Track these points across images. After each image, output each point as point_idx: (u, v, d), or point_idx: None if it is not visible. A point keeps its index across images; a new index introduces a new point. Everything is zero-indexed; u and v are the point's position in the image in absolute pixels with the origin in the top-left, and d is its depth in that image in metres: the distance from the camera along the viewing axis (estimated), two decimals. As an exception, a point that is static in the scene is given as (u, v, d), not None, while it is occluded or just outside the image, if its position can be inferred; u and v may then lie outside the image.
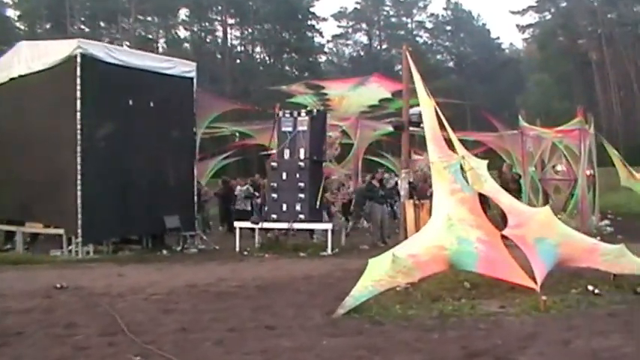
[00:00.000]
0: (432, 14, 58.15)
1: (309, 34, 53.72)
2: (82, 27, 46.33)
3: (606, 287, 6.17)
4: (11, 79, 11.76)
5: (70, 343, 4.55)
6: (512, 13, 52.56)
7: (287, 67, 52.14)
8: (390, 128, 12.23)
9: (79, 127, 10.22)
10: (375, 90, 14.54)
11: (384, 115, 17.41)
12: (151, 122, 11.24)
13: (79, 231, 10.18)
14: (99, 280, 7.60)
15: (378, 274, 5.57)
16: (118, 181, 10.68)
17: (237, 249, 11.00)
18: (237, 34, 52.75)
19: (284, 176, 11.03)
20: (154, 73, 11.46)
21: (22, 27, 45.40)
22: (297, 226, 10.98)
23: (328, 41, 57.60)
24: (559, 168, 16.12)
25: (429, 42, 58.32)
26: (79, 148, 10.22)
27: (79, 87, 10.22)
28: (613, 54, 43.52)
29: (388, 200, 12.67)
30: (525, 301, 5.54)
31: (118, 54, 11.21)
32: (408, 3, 57.13)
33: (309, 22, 53.46)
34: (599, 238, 10.94)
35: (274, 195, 11.09)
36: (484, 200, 8.68)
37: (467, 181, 7.03)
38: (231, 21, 51.10)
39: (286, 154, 11.14)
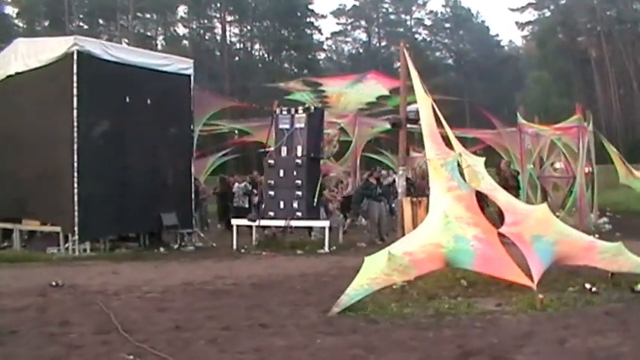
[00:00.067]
0: (431, 11, 58.20)
1: (308, 31, 53.69)
2: (81, 24, 46.27)
3: (604, 285, 6.13)
4: (8, 76, 11.71)
5: (64, 342, 4.52)
6: (512, 10, 52.60)
7: (286, 65, 52.11)
8: (388, 125, 12.18)
9: (75, 124, 10.20)
10: (373, 87, 14.50)
11: (382, 112, 17.38)
12: (147, 119, 11.20)
13: (76, 229, 10.16)
14: (94, 278, 7.58)
15: (374, 272, 5.54)
16: (114, 179, 10.66)
17: (235, 246, 10.96)
18: (236, 31, 52.73)
19: (281, 173, 10.99)
20: (151, 70, 11.44)
21: (21, 24, 45.33)
22: (294, 223, 10.94)
23: (327, 38, 57.68)
24: (557, 165, 16.09)
25: (428, 39, 58.28)
26: (75, 146, 10.20)
27: (75, 84, 10.20)
28: (612, 51, 43.51)
29: (384, 197, 12.62)
30: (522, 300, 5.50)
31: (115, 51, 11.16)
32: (407, 0, 57.00)
33: (307, 20, 53.43)
34: (597, 235, 10.96)
35: (271, 192, 11.05)
36: (482, 198, 8.66)
37: (464, 179, 7.00)
38: (229, 18, 51.01)
39: (283, 151, 11.11)
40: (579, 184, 13.73)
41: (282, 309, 5.49)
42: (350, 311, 5.19)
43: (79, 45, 10.41)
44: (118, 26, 47.49)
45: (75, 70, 10.19)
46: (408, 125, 10.29)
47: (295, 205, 10.82)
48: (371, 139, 20.71)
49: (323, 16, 56.45)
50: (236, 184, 16.06)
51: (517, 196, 13.14)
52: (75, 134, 10.19)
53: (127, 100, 11.00)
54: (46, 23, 44.63)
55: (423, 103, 7.99)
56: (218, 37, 51.04)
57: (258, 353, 4.11)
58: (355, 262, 6.41)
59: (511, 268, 5.75)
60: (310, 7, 53.07)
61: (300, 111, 11.25)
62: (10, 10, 45.42)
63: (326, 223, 11.05)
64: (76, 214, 10.12)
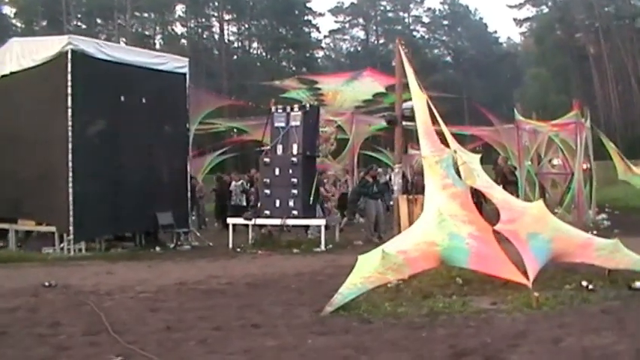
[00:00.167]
0: (428, 9, 58.13)
1: (306, 29, 53.60)
2: (79, 24, 46.19)
3: (601, 283, 6.07)
4: (2, 76, 11.63)
5: (53, 343, 4.47)
6: (510, 7, 52.23)
7: (284, 63, 52.02)
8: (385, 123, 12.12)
9: (70, 123, 10.13)
10: (369, 84, 14.43)
11: (378, 109, 17.31)
12: (142, 118, 11.14)
13: (71, 228, 10.09)
14: (88, 278, 7.53)
15: (368, 270, 5.48)
16: (109, 178, 10.59)
17: (230, 246, 10.90)
18: (234, 29, 52.65)
19: (277, 172, 10.92)
20: (146, 68, 11.37)
21: (19, 24, 45.24)
22: (290, 222, 10.88)
23: (325, 36, 57.59)
24: (555, 162, 16.00)
25: (426, 36, 58.23)
26: (70, 145, 10.13)
27: (69, 83, 10.12)
28: (610, 48, 43.45)
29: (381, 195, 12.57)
30: (517, 298, 5.44)
31: (109, 50, 11.09)
32: (404, -3, 56.96)
33: (305, 18, 53.33)
34: (595, 232, 10.93)
35: (267, 191, 10.99)
36: (479, 195, 8.61)
37: (459, 176, 6.95)
38: (227, 17, 50.92)
39: (279, 149, 11.04)
40: (577, 180, 13.67)
41: (274, 308, 5.44)
42: (343, 310, 5.13)
43: (73, 44, 10.34)
44: (116, 25, 47.38)
45: (69, 70, 10.12)
46: (404, 123, 10.22)
47: (291, 203, 10.76)
48: (368, 136, 20.64)
49: (321, 14, 56.48)
50: (233, 183, 16.02)
51: (517, 191, 13.15)
52: (69, 133, 10.12)
53: (122, 99, 10.92)
54: (44, 23, 44.52)
55: (418, 100, 7.93)
56: (216, 36, 50.98)
57: (248, 354, 4.06)
58: (351, 261, 6.33)
59: (506, 266, 5.70)
60: (308, 5, 53.02)
61: (296, 109, 11.18)
62: (8, 10, 45.41)
63: (322, 222, 10.99)
64: (70, 213, 10.05)
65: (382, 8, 57.65)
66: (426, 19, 58.22)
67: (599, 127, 20.47)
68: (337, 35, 58.36)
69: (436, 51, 57.98)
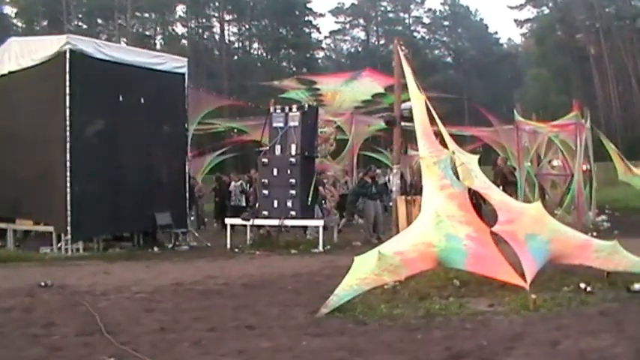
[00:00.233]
0: (429, 9, 58.05)
1: (307, 29, 53.57)
2: (80, 24, 46.19)
3: (599, 285, 6.04)
4: (1, 75, 11.62)
5: (46, 344, 4.45)
6: (510, 7, 52.14)
7: (284, 63, 51.98)
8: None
9: (68, 123, 10.10)
10: (368, 85, 14.40)
11: (378, 110, 17.29)
12: (141, 118, 11.12)
13: (69, 228, 10.07)
14: (85, 278, 7.50)
15: (364, 272, 5.44)
16: (107, 178, 10.57)
17: (229, 246, 10.87)
18: (235, 30, 52.63)
19: (275, 172, 10.89)
20: (145, 68, 11.35)
21: (20, 24, 45.25)
22: (288, 222, 10.85)
23: (326, 37, 57.53)
24: (555, 163, 15.95)
25: (427, 37, 58.16)
26: (68, 145, 10.11)
27: (68, 83, 10.10)
28: (611, 48, 43.38)
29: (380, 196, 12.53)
30: (515, 300, 5.40)
31: (108, 50, 11.07)
32: (405, -2, 56.90)
33: (306, 18, 53.29)
34: (595, 233, 10.89)
35: (265, 191, 10.96)
36: (479, 195, 8.55)
37: (457, 177, 6.91)
38: (228, 17, 50.89)
39: (277, 150, 11.01)
40: (577, 181, 13.62)
41: (270, 309, 5.41)
42: (339, 312, 5.10)
43: (72, 44, 10.32)
44: (117, 26, 47.37)
45: (67, 69, 10.10)
46: (403, 123, 10.18)
47: (289, 204, 10.73)
48: (368, 137, 20.62)
49: (321, 15, 56.47)
50: (232, 183, 16.00)
51: (516, 191, 13.11)
52: (68, 133, 10.10)
53: (121, 98, 10.91)
54: (45, 23, 44.52)
55: (417, 101, 7.89)
56: (217, 36, 50.96)
57: (242, 355, 4.03)
58: (349, 262, 6.28)
59: (504, 267, 5.65)
60: (308, 5, 52.97)
61: (294, 109, 11.16)
62: (9, 10, 45.40)
63: (320, 223, 10.96)
64: (68, 213, 10.03)
65: (383, 9, 57.60)
66: (426, 20, 58.18)
67: (600, 128, 20.42)
68: (338, 36, 58.32)
69: (437, 52, 57.92)
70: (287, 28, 51.69)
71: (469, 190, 7.01)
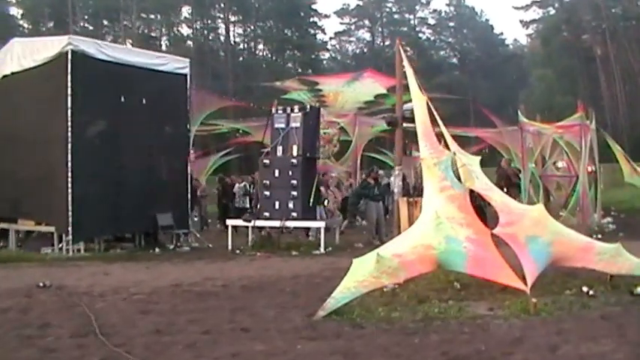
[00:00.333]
0: (434, 10, 57.92)
1: (312, 31, 53.58)
2: (86, 25, 46.40)
3: (602, 288, 5.95)
4: (4, 76, 11.64)
5: (40, 345, 4.43)
6: (516, 8, 52.00)
7: (289, 65, 51.98)
8: (388, 125, 11.97)
9: (69, 123, 10.10)
10: (370, 86, 14.33)
11: (381, 110, 17.21)
12: (143, 119, 11.09)
13: (70, 229, 10.05)
14: (84, 279, 7.48)
15: (362, 274, 5.38)
16: (109, 179, 10.55)
17: (230, 247, 10.83)
18: (240, 31, 52.71)
19: (276, 173, 10.83)
20: (146, 69, 11.32)
21: (26, 25, 45.51)
22: (289, 224, 10.79)
23: (331, 38, 57.49)
24: (560, 164, 15.84)
25: (432, 38, 58.05)
26: (69, 145, 10.09)
27: (69, 84, 10.09)
28: (617, 49, 43.08)
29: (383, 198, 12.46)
30: (515, 303, 5.32)
31: (109, 50, 11.06)
32: (410, -1, 56.79)
33: (311, 19, 53.32)
34: (600, 235, 10.78)
35: (267, 192, 10.90)
36: (482, 197, 8.46)
37: (459, 178, 6.83)
38: (233, 18, 50.98)
39: (279, 151, 10.96)
40: (582, 183, 13.50)
41: (267, 312, 5.35)
42: (336, 315, 5.03)
43: (73, 44, 10.31)
44: (122, 27, 47.54)
45: (69, 70, 10.09)
46: (405, 124, 10.10)
47: (291, 205, 10.66)
48: (372, 138, 20.52)
49: (326, 16, 56.40)
50: (236, 185, 15.98)
51: (519, 194, 13.01)
52: (69, 134, 10.09)
53: (122, 99, 10.88)
54: (51, 24, 44.72)
55: (418, 102, 7.81)
56: (222, 38, 51.01)
57: (236, 358, 3.99)
58: (349, 264, 6.23)
59: (504, 270, 5.57)
60: (313, 6, 52.96)
61: (296, 110, 11.10)
62: (15, 12, 45.71)
63: (321, 224, 10.89)
64: (69, 214, 10.01)
65: (388, 10, 57.50)
66: (431, 21, 58.08)
67: (606, 129, 20.28)
68: (343, 37, 58.26)
69: (442, 52, 57.78)
70: (292, 29, 51.71)
71: (471, 192, 6.94)
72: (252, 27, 52.19)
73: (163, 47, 46.20)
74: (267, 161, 11.04)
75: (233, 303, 5.82)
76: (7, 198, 11.28)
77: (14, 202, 11.13)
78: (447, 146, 7.41)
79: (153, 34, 49.95)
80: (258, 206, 11.28)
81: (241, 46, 52.92)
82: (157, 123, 11.41)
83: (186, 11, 50.11)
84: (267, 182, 10.92)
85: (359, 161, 19.12)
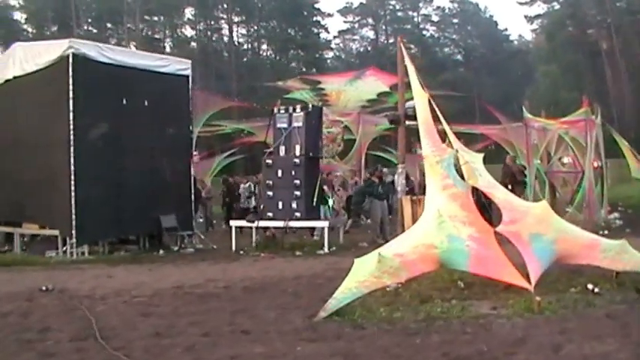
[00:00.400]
0: (438, 7, 57.61)
1: (315, 30, 53.44)
2: (89, 28, 46.55)
3: (607, 286, 5.87)
4: (6, 80, 11.68)
5: (39, 349, 4.42)
6: (520, 3, 51.52)
7: (293, 64, 51.89)
8: (392, 123, 11.90)
9: (72, 126, 10.11)
10: (373, 84, 14.26)
11: (384, 109, 17.13)
12: (145, 121, 11.09)
13: (74, 232, 10.06)
14: (86, 282, 7.48)
15: (363, 274, 5.33)
16: (112, 181, 10.55)
17: (234, 248, 10.80)
18: (243, 31, 52.67)
19: (279, 174, 10.79)
20: (148, 71, 11.31)
21: (30, 29, 45.72)
22: (293, 224, 10.75)
23: (335, 37, 57.34)
24: (565, 160, 15.71)
25: (436, 35, 57.77)
26: (72, 148, 10.10)
27: (71, 87, 10.10)
28: (623, 43, 42.65)
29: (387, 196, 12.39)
30: (519, 302, 5.25)
31: (111, 53, 11.06)
32: (414, -4, 56.55)
33: (314, 19, 53.18)
34: (606, 231, 10.67)
35: (270, 193, 10.87)
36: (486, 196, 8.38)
37: (461, 176, 6.77)
38: (236, 19, 50.95)
39: (282, 150, 10.92)
40: (588, 178, 13.38)
41: (268, 313, 5.31)
42: (337, 316, 4.99)
43: (75, 48, 10.32)
44: (126, 29, 47.65)
45: (70, 73, 10.10)
46: (408, 122, 10.03)
47: (294, 205, 10.62)
48: (376, 136, 20.45)
49: (330, 15, 56.31)
50: (242, 185, 15.97)
51: (524, 191, 12.89)
52: (71, 137, 10.10)
53: (124, 101, 10.88)
54: (55, 28, 44.91)
55: (420, 99, 7.75)
56: (225, 38, 51.02)
57: (234, 361, 3.95)
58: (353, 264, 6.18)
59: (508, 269, 5.51)
60: (316, 5, 52.80)
61: (298, 110, 11.05)
62: (19, 16, 45.91)
63: (325, 224, 10.84)
64: (73, 217, 10.02)
65: (391, 7, 57.27)
66: (435, 18, 57.79)
67: (612, 124, 20.08)
68: (346, 35, 58.12)
69: (446, 49, 57.51)
70: (295, 28, 51.62)
71: (475, 190, 6.87)
72: (255, 27, 52.16)
73: (167, 49, 46.23)
74: (269, 161, 11.01)
75: (234, 305, 5.79)
76: (10, 202, 11.32)
77: (18, 205, 11.17)
78: (450, 144, 7.35)
79: (156, 36, 50.00)
80: (262, 206, 11.24)
81: (245, 47, 52.91)
82: (159, 125, 11.41)
83: (189, 12, 50.17)
84: (270, 182, 10.89)
85: (363, 160, 19.06)
